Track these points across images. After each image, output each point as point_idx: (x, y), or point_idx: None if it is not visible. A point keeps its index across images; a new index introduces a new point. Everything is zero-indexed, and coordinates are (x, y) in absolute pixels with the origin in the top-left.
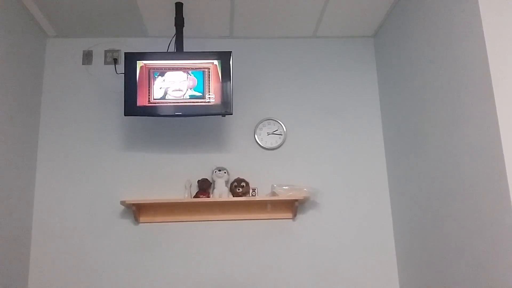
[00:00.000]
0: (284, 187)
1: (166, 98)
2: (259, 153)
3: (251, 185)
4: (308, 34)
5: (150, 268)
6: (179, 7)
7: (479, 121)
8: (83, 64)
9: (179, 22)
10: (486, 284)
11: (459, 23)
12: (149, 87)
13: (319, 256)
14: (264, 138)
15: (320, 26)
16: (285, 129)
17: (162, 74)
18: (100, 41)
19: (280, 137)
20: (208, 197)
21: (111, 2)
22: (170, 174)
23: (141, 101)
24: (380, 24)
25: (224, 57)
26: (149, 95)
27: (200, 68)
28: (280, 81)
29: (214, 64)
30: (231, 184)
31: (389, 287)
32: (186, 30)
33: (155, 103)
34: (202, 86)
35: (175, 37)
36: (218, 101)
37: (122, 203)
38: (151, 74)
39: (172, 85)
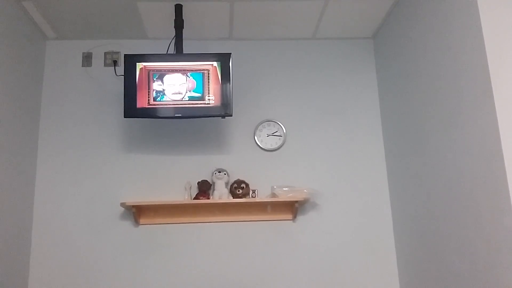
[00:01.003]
0: (284, 189)
1: (165, 100)
2: (259, 155)
3: (251, 187)
4: (307, 36)
5: (150, 269)
6: (178, 9)
7: (479, 121)
8: (82, 66)
9: (179, 24)
10: (485, 283)
11: (458, 24)
12: (148, 89)
13: (319, 257)
14: (264, 139)
15: (319, 27)
16: (285, 131)
17: (160, 78)
18: (99, 43)
19: (280, 139)
20: (208, 198)
21: (111, 4)
22: (170, 175)
23: (141, 102)
24: (380, 25)
25: (223, 58)
26: (148, 97)
27: (200, 69)
28: (279, 83)
29: (213, 65)
30: (231, 185)
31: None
32: (185, 32)
33: (154, 104)
34: (201, 88)
35: (174, 39)
36: (218, 103)
37: (122, 205)
38: (151, 76)
39: (172, 88)
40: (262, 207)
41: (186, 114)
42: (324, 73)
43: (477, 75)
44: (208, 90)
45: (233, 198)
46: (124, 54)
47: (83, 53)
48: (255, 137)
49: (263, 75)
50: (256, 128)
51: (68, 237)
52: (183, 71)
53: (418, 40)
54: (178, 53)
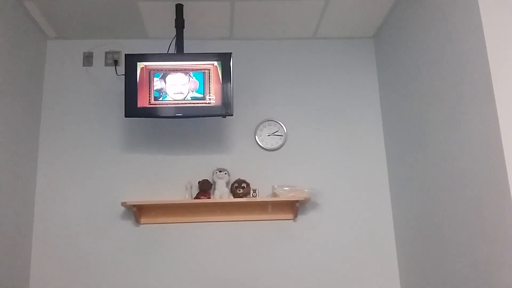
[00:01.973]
0: (284, 188)
1: (166, 99)
2: (260, 154)
3: (252, 186)
4: (308, 35)
5: (151, 269)
6: (179, 8)
7: (480, 121)
8: (83, 65)
9: (180, 23)
10: (487, 284)
11: (459, 23)
12: (149, 88)
13: (320, 256)
14: (264, 139)
15: (320, 27)
16: (285, 130)
17: (163, 77)
18: (100, 42)
19: (280, 138)
20: (209, 198)
21: (112, 3)
22: (170, 175)
23: (142, 102)
24: (380, 25)
25: (224, 58)
26: (149, 97)
27: (201, 69)
28: (280, 82)
29: (214, 65)
30: (231, 185)
31: (390, 287)
32: (186, 32)
33: (155, 104)
34: (202, 88)
35: (175, 38)
36: (219, 102)
37: (123, 204)
38: (152, 75)
39: (174, 88)
40: (263, 207)
41: (187, 114)
42: (324, 73)
43: (478, 74)
44: (209, 90)
45: (234, 197)
46: (125, 54)
47: (84, 52)
48: (256, 137)
49: (264, 74)
50: (257, 127)
51: (69, 236)
52: (184, 71)
53: (419, 40)
54: (179, 53)
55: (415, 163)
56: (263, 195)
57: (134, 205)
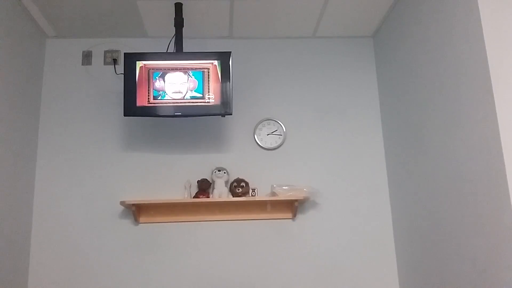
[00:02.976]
0: (283, 187)
1: (165, 98)
2: (259, 153)
3: (251, 185)
4: (307, 34)
5: (150, 268)
6: (178, 7)
7: (479, 120)
8: (82, 64)
9: (179, 22)
10: (485, 283)
11: (459, 23)
12: (148, 87)
13: (319, 256)
14: (263, 138)
15: (319, 26)
16: (284, 129)
17: (162, 76)
18: (99, 41)
19: (279, 137)
20: (208, 197)
21: (111, 2)
22: (169, 174)
23: (141, 101)
24: (380, 24)
25: (223, 57)
26: (148, 95)
27: (200, 68)
28: (279, 81)
29: (213, 64)
30: (230, 184)
31: (389, 287)
32: (185, 31)
33: (154, 103)
34: (201, 87)
35: (174, 37)
36: (218, 102)
37: (122, 203)
38: (151, 74)
39: (172, 86)
40: (261, 206)
41: (186, 113)
42: (324, 72)
43: (477, 74)
44: (208, 89)
45: (233, 196)
46: (124, 53)
47: (83, 51)
48: (255, 136)
49: (263, 73)
50: (256, 127)
51: (68, 235)
52: (184, 70)
53: (418, 39)
54: (178, 52)
55: (414, 162)
56: (262, 195)
57: (133, 204)
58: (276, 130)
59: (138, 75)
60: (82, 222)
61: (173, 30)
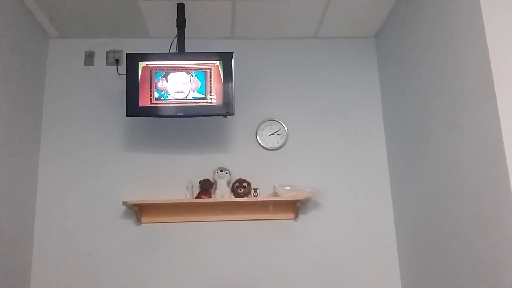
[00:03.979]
0: (285, 188)
1: (168, 98)
2: (261, 154)
3: (253, 186)
4: (309, 35)
5: (152, 268)
6: (181, 8)
7: (481, 121)
8: (85, 65)
9: (181, 23)
10: (487, 282)
11: (461, 23)
12: (150, 87)
13: (321, 256)
14: (265, 138)
15: (321, 26)
16: (286, 130)
17: (165, 76)
18: (102, 42)
19: (281, 138)
20: (210, 197)
21: (113, 3)
22: (172, 174)
23: (143, 101)
24: (382, 24)
25: (225, 57)
26: (150, 96)
27: (202, 68)
28: (281, 82)
29: (215, 64)
30: (233, 184)
31: (391, 287)
32: (187, 31)
33: (157, 103)
34: (203, 87)
35: (176, 37)
36: (220, 102)
37: (124, 203)
38: (153, 74)
39: (175, 86)
40: (263, 206)
41: (188, 113)
42: (326, 72)
43: (479, 74)
44: (210, 89)
45: (235, 197)
46: (126, 53)
47: (85, 51)
48: (257, 136)
49: (265, 74)
50: (258, 127)
51: (70, 235)
52: (186, 70)
53: (421, 40)
54: (180, 52)
55: (416, 163)
56: (264, 195)
57: (135, 204)
58: (278, 131)
59: (140, 76)
60: (84, 222)
61: (175, 31)
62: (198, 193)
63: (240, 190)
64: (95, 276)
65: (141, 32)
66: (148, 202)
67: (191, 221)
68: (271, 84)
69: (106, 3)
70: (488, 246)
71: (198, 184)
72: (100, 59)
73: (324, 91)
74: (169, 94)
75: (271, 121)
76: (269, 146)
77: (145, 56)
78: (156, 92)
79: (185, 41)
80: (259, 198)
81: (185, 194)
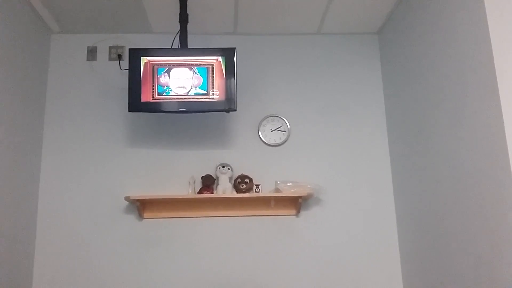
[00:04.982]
0: (287, 184)
1: (170, 94)
2: (263, 150)
3: (255, 182)
4: (312, 31)
5: (154, 263)
6: (183, 3)
7: (484, 118)
8: (87, 60)
9: (183, 18)
10: (489, 281)
11: (464, 19)
12: (153, 83)
13: (322, 252)
14: (268, 134)
15: (324, 22)
16: (289, 126)
17: (167, 72)
18: (104, 37)
19: (284, 134)
20: (212, 193)
21: None
22: (174, 170)
23: (145, 97)
24: (385, 20)
25: (228, 53)
26: (153, 91)
27: (204, 64)
28: (284, 78)
29: (218, 60)
30: (234, 180)
31: (393, 284)
32: (190, 27)
33: (159, 99)
34: (206, 83)
35: (179, 33)
36: (222, 98)
37: (127, 199)
38: (155, 70)
39: (177, 82)
40: (265, 202)
41: (191, 109)
42: (328, 68)
43: (483, 71)
44: (213, 85)
45: (237, 193)
46: (129, 49)
47: (88, 47)
48: (259, 132)
49: (268, 70)
50: (260, 123)
51: (73, 231)
52: (188, 66)
53: (424, 36)
54: (183, 48)
55: (418, 160)
56: (266, 191)
57: (137, 200)
58: (280, 127)
59: (143, 71)
60: (86, 218)
61: (177, 26)
62: (200, 189)
63: (242, 186)
64: (97, 271)
65: (144, 28)
66: (150, 198)
67: (193, 216)
68: (274, 80)
69: None
70: (490, 244)
71: (200, 179)
72: (102, 54)
73: (327, 87)
74: (171, 90)
75: (273, 117)
76: (271, 142)
77: (147, 52)
78: (158, 88)
79: (188, 37)
80: (261, 194)
81: (187, 189)
